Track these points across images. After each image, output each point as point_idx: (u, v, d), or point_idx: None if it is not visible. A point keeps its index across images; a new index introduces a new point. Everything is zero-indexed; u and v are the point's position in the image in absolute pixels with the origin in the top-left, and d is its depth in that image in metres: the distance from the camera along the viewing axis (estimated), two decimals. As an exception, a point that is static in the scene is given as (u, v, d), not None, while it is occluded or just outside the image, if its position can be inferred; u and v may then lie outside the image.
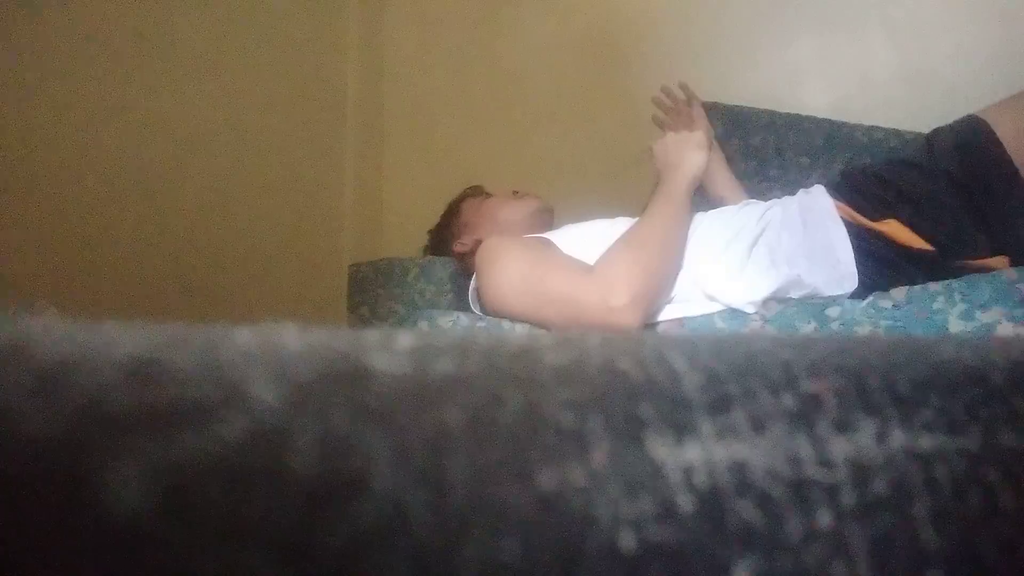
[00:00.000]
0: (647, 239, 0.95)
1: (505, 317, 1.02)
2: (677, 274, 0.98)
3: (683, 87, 1.39)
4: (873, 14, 1.63)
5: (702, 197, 1.44)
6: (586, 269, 0.95)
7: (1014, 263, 0.88)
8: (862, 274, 0.94)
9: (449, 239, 1.33)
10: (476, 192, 1.38)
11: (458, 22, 2.06)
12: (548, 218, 1.30)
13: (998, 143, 0.92)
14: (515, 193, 1.32)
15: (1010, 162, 0.91)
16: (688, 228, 1.02)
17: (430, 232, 1.42)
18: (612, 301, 0.89)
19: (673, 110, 1.40)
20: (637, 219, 1.01)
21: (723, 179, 1.35)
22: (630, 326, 0.91)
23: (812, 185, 1.11)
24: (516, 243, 1.06)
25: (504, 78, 1.99)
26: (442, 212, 1.40)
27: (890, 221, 0.95)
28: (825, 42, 1.68)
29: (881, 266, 0.94)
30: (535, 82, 1.96)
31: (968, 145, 0.94)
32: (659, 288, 0.94)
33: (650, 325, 0.97)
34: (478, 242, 1.24)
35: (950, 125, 1.01)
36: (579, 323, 0.94)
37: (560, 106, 1.92)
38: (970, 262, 0.90)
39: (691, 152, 1.07)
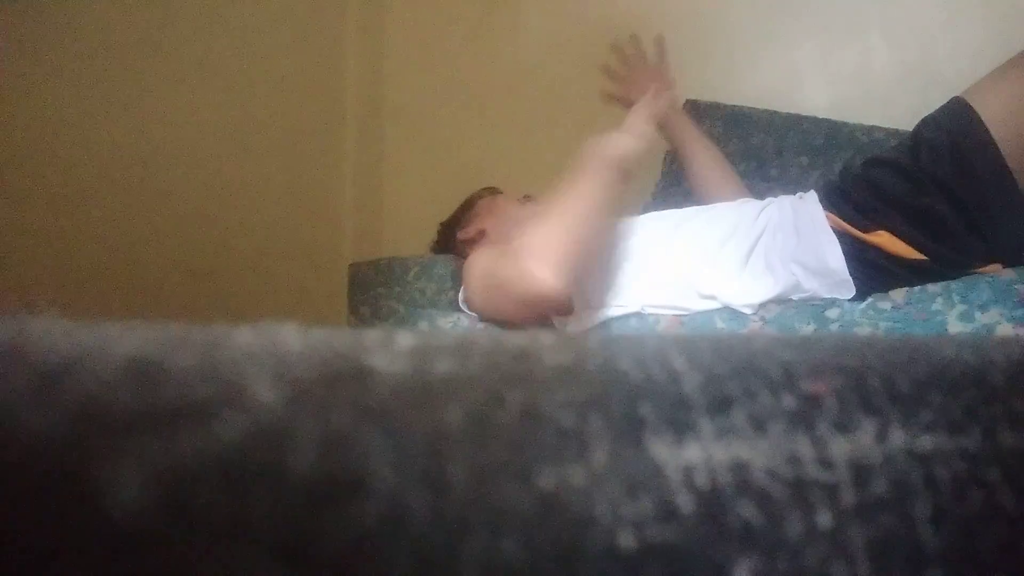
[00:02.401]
0: (562, 209, 0.94)
1: (488, 321, 1.03)
2: (599, 241, 0.97)
3: (655, 41, 1.26)
4: (873, 14, 1.63)
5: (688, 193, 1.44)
6: (506, 249, 0.96)
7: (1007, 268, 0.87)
8: (858, 281, 0.94)
9: (457, 227, 1.35)
10: (490, 191, 1.40)
11: (458, 22, 2.06)
12: None
13: (985, 132, 0.90)
14: (525, 198, 1.33)
15: (999, 156, 0.89)
16: (606, 197, 0.97)
17: (441, 223, 1.43)
18: (529, 268, 0.89)
19: (625, 76, 1.28)
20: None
21: (710, 167, 1.29)
22: (551, 289, 0.88)
23: (808, 188, 1.11)
24: (493, 250, 1.06)
25: (504, 78, 1.99)
26: (456, 207, 1.42)
27: (881, 232, 0.94)
28: (825, 42, 1.68)
29: (876, 273, 0.93)
30: (535, 82, 1.95)
31: (956, 146, 0.93)
32: (576, 256, 0.91)
33: (652, 321, 0.97)
34: (480, 232, 1.25)
35: (935, 119, 0.98)
36: (510, 302, 0.94)
37: (560, 106, 1.92)
38: (965, 271, 0.89)
39: (630, 132, 1.02)
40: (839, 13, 1.66)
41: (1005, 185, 0.89)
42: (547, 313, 0.96)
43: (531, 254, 0.89)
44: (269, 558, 0.10)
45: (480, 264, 1.02)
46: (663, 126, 1.29)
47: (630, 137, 1.01)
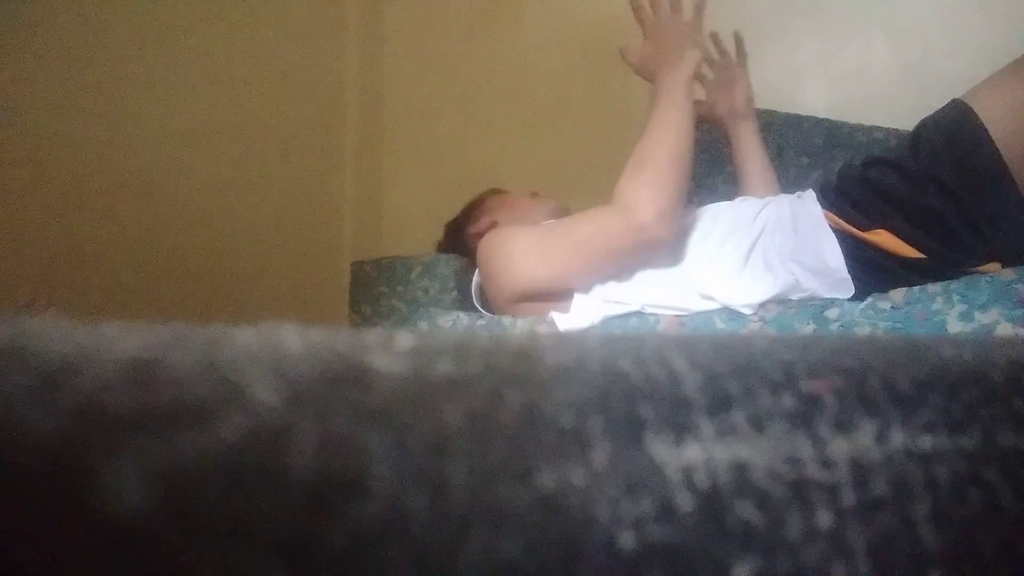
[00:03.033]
0: (656, 153, 0.96)
1: (520, 299, 1.02)
2: (690, 174, 0.99)
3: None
4: (873, 14, 1.63)
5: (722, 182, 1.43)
6: (600, 208, 0.98)
7: (1006, 268, 0.87)
8: (857, 279, 0.93)
9: (466, 224, 1.34)
10: (497, 191, 1.40)
11: (458, 22, 2.06)
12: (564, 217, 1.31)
13: (985, 133, 0.90)
14: (533, 194, 1.33)
15: (999, 156, 0.89)
16: (692, 125, 1.00)
17: (447, 224, 1.42)
18: (640, 220, 0.93)
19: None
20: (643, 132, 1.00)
21: (754, 158, 1.28)
22: (664, 239, 0.94)
23: (807, 187, 1.10)
24: (517, 227, 1.07)
25: (504, 78, 1.99)
26: (462, 208, 1.41)
27: (880, 231, 0.94)
28: (825, 42, 1.68)
29: (876, 272, 0.93)
30: (535, 82, 1.96)
31: (955, 146, 0.92)
32: (679, 197, 0.96)
33: (652, 321, 0.97)
34: (492, 224, 1.25)
35: (935, 120, 0.98)
36: (612, 256, 0.97)
37: (560, 106, 1.92)
38: (964, 269, 0.89)
39: (685, 45, 1.04)
40: (839, 13, 1.66)
41: (1004, 185, 0.89)
42: (648, 255, 0.99)
43: (639, 208, 0.93)
44: (269, 558, 0.10)
45: (530, 239, 1.01)
46: (729, 126, 1.29)
47: (693, 48, 1.03)
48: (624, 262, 0.98)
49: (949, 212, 0.91)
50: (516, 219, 1.24)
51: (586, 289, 1.01)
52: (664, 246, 0.96)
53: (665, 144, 0.97)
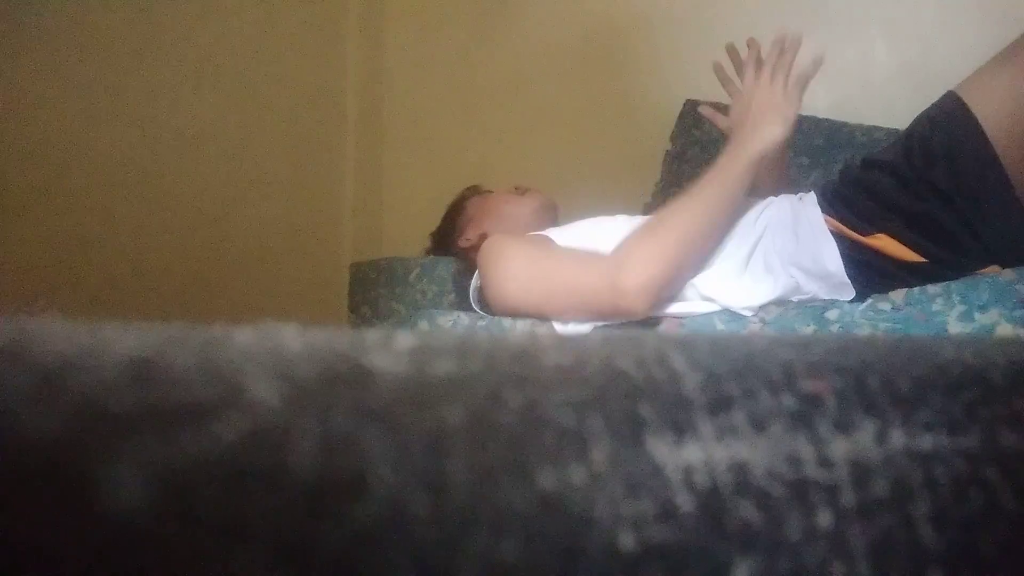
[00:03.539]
0: (672, 225, 0.90)
1: (510, 314, 1.02)
2: (701, 263, 0.92)
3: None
4: (873, 14, 1.63)
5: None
6: (598, 256, 0.94)
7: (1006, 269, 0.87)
8: (857, 283, 0.93)
9: (453, 236, 1.32)
10: (476, 191, 1.38)
11: (458, 22, 2.06)
12: (553, 214, 1.30)
13: (979, 130, 0.90)
14: (516, 189, 1.32)
15: (993, 156, 0.89)
16: (735, 210, 0.92)
17: (432, 234, 1.41)
18: (622, 283, 0.87)
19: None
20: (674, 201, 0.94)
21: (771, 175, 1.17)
22: (635, 312, 0.88)
23: (808, 188, 1.10)
24: (519, 239, 1.06)
25: (504, 79, 1.99)
26: (444, 213, 1.40)
27: (880, 236, 0.94)
28: (825, 42, 1.68)
29: (876, 275, 0.93)
30: (535, 83, 1.96)
31: (950, 146, 0.92)
32: (676, 277, 0.90)
33: (650, 318, 0.97)
34: (483, 236, 1.24)
35: (930, 117, 0.97)
36: (587, 310, 0.93)
37: (560, 106, 1.92)
38: (964, 272, 0.89)
39: (771, 118, 0.92)
40: (839, 13, 1.66)
41: (999, 186, 0.89)
42: (614, 320, 0.94)
43: (628, 270, 0.87)
44: (269, 558, 0.10)
45: (524, 264, 0.99)
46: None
47: (779, 124, 0.92)
48: (597, 318, 0.94)
49: (946, 216, 0.91)
50: (506, 226, 1.23)
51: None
52: (636, 318, 0.90)
53: (686, 218, 0.91)
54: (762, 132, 0.92)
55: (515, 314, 1.02)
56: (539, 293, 0.97)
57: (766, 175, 1.22)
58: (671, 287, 0.91)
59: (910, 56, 1.59)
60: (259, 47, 1.71)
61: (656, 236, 0.90)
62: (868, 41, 1.64)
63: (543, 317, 0.99)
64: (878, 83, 1.62)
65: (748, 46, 1.02)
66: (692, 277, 0.93)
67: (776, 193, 1.25)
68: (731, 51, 1.06)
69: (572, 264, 0.96)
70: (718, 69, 1.05)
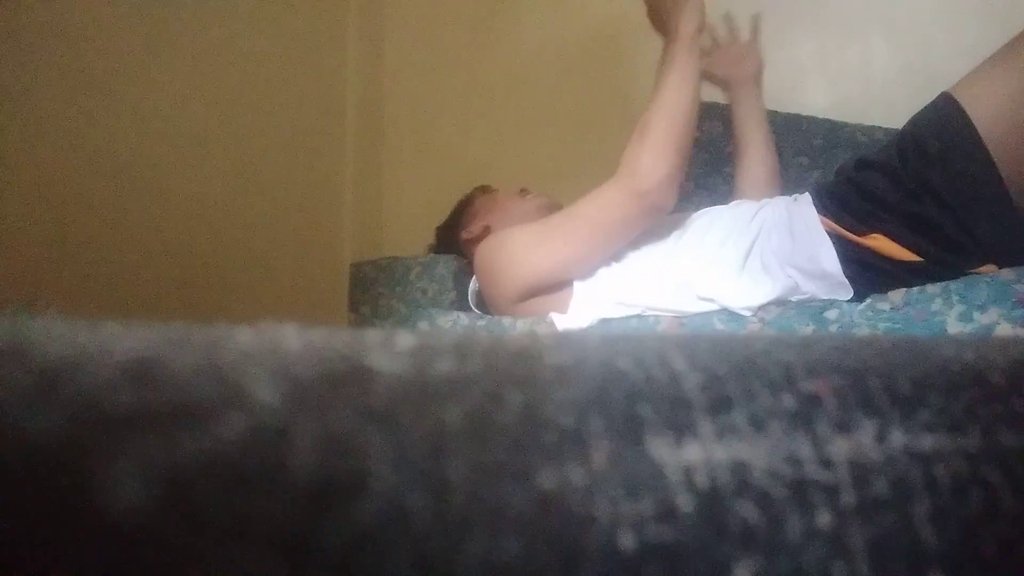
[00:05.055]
0: (658, 119, 0.97)
1: (533, 291, 1.02)
2: (692, 135, 1.00)
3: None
4: (873, 14, 1.63)
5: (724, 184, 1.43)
6: (603, 184, 1.00)
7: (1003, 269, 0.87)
8: (855, 283, 0.93)
9: (457, 228, 1.34)
10: (484, 190, 1.39)
11: (458, 22, 2.06)
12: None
13: (973, 131, 0.89)
14: (522, 191, 1.32)
15: (987, 157, 0.89)
16: (696, 85, 1.00)
17: (438, 228, 1.42)
18: (642, 186, 0.95)
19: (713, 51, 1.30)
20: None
21: (753, 122, 1.30)
22: (666, 205, 0.96)
23: (804, 189, 1.10)
24: (514, 227, 1.07)
25: (504, 78, 1.99)
26: (452, 208, 1.41)
27: (876, 235, 0.94)
28: (825, 42, 1.68)
29: (873, 275, 0.93)
30: (535, 82, 1.96)
31: (944, 147, 0.92)
32: (681, 161, 0.97)
33: (652, 322, 0.97)
34: (486, 228, 1.24)
35: (924, 118, 0.97)
36: (617, 227, 0.98)
37: (560, 106, 1.92)
38: (961, 271, 0.89)
39: (680, 7, 1.02)
40: (839, 13, 1.66)
41: (992, 186, 0.89)
42: (651, 222, 0.99)
43: (643, 173, 0.95)
44: (269, 558, 0.10)
45: (529, 234, 1.02)
46: (733, 89, 1.31)
47: (693, 12, 1.01)
48: (629, 231, 0.99)
49: (940, 216, 0.91)
50: (509, 221, 1.24)
51: (591, 272, 1.02)
52: (666, 211, 0.98)
53: (667, 108, 0.98)
54: (685, 13, 1.01)
55: (531, 292, 1.02)
56: (566, 243, 1.00)
57: (752, 144, 1.26)
58: (682, 170, 0.98)
59: (910, 56, 1.59)
60: (259, 47, 1.71)
61: (651, 133, 0.96)
62: (868, 41, 1.64)
63: (571, 273, 1.01)
64: (878, 83, 1.62)
65: None
66: (690, 153, 1.01)
67: (769, 190, 1.26)
68: None
69: (584, 203, 1.00)
70: None
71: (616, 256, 1.05)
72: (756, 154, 1.30)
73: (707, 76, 1.27)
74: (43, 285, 1.17)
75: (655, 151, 0.95)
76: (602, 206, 0.98)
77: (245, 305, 1.57)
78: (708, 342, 0.17)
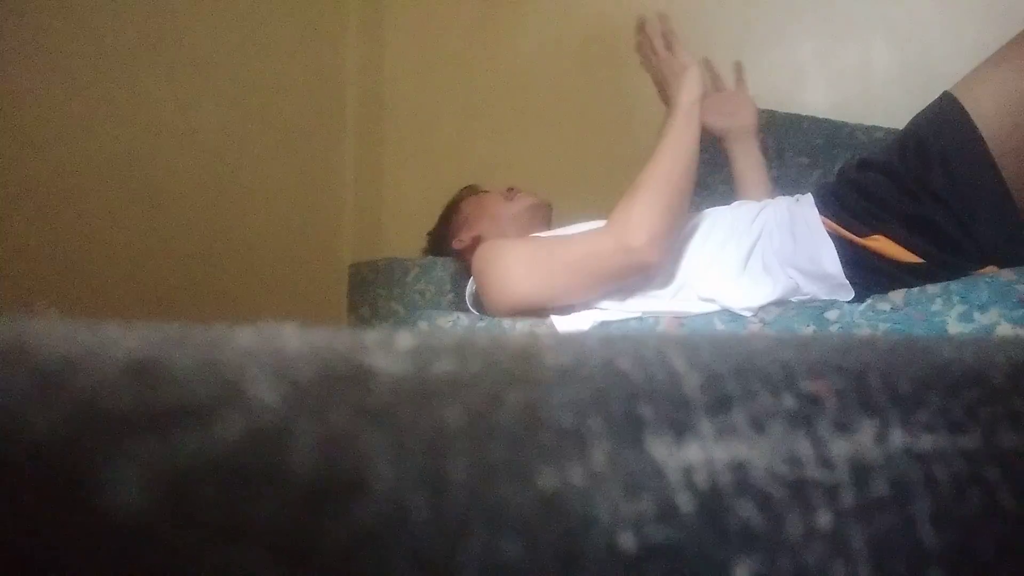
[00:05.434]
0: (655, 175, 0.97)
1: (516, 313, 1.02)
2: (688, 206, 1.00)
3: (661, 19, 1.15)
4: (873, 14, 1.63)
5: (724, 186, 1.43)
6: (592, 230, 0.99)
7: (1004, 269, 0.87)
8: (856, 284, 0.93)
9: (448, 237, 1.33)
10: (471, 191, 1.38)
11: (458, 22, 2.06)
12: (546, 214, 1.31)
13: (974, 132, 0.89)
14: (509, 191, 1.32)
15: (988, 158, 0.88)
16: (696, 146, 1.01)
17: (429, 234, 1.42)
18: (631, 242, 0.93)
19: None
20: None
21: (754, 172, 1.29)
22: (652, 263, 0.94)
23: (807, 189, 1.10)
24: (510, 240, 1.07)
25: (504, 78, 1.99)
26: (440, 214, 1.40)
27: (877, 237, 0.94)
28: (825, 42, 1.68)
29: (874, 276, 0.93)
30: (535, 83, 1.96)
31: (945, 148, 0.92)
32: (674, 220, 0.97)
33: (652, 322, 0.97)
34: (476, 239, 1.24)
35: (926, 119, 0.97)
36: (601, 278, 0.97)
37: (560, 106, 1.92)
38: (962, 272, 0.89)
39: (685, 74, 1.05)
40: (839, 13, 1.66)
41: (994, 186, 0.89)
42: (634, 280, 0.99)
43: (632, 229, 0.93)
44: (269, 558, 0.10)
45: (523, 256, 1.02)
46: (729, 143, 1.28)
47: (691, 74, 1.04)
48: (613, 284, 0.98)
49: (942, 217, 0.91)
50: (499, 227, 1.23)
51: (579, 308, 1.01)
52: (652, 270, 0.96)
53: (665, 166, 0.97)
54: (685, 83, 1.04)
55: (521, 312, 1.02)
56: (550, 278, 0.99)
57: (751, 188, 1.26)
58: (673, 232, 0.97)
59: (910, 56, 1.59)
60: (259, 47, 1.71)
61: (645, 192, 0.96)
62: (868, 41, 1.64)
63: (553, 304, 1.00)
64: (878, 83, 1.62)
65: (658, 21, 1.13)
66: (685, 219, 1.01)
67: (760, 192, 1.25)
68: (639, 28, 1.16)
69: (572, 243, 0.99)
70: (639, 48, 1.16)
71: None
72: (753, 195, 1.28)
73: (705, 128, 1.25)
74: (43, 285, 1.17)
75: (646, 208, 0.94)
76: (590, 252, 0.97)
77: (245, 305, 1.57)
78: (708, 342, 0.17)
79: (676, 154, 0.98)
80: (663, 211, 0.94)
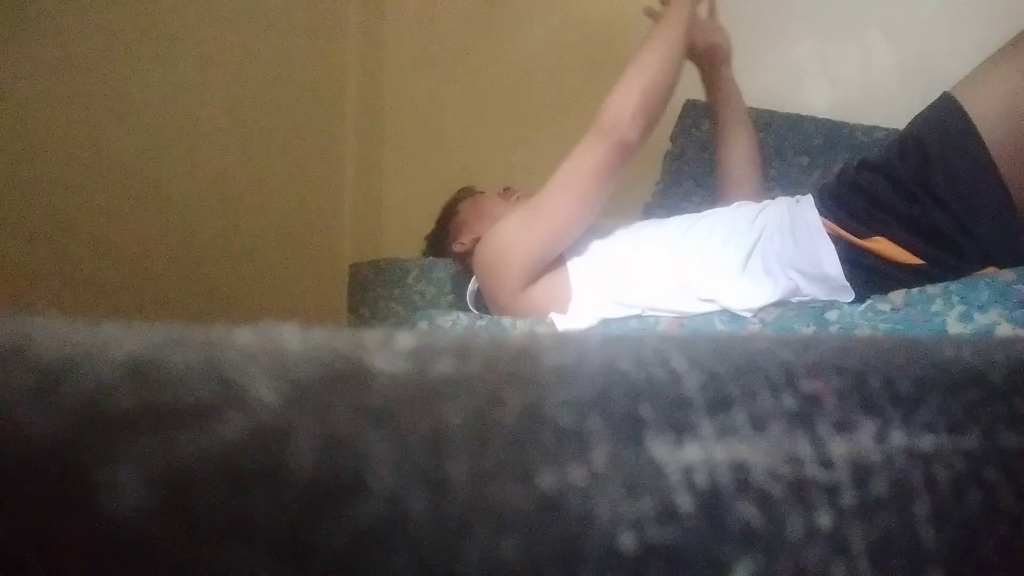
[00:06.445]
0: (637, 67, 1.00)
1: (535, 272, 1.03)
2: (674, 87, 1.03)
3: None
4: (873, 14, 1.63)
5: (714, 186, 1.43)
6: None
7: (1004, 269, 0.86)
8: (857, 286, 0.93)
9: (447, 240, 1.33)
10: (468, 192, 1.38)
11: (458, 22, 2.06)
12: None
13: (974, 133, 0.89)
14: (505, 191, 1.32)
15: (988, 159, 0.88)
16: (682, 45, 1.04)
17: (427, 236, 1.42)
18: (608, 123, 0.96)
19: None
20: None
21: (733, 109, 1.31)
22: (633, 136, 0.97)
23: (807, 189, 1.10)
24: (498, 222, 1.08)
25: (504, 78, 1.99)
26: (438, 216, 1.40)
27: (878, 238, 0.94)
28: (825, 42, 1.68)
29: (875, 277, 0.93)
30: (535, 82, 1.96)
31: (945, 150, 0.92)
32: (653, 100, 0.99)
33: (652, 322, 0.97)
34: (475, 241, 1.24)
35: (925, 119, 0.97)
36: (592, 179, 0.99)
37: (560, 106, 1.92)
38: (963, 274, 0.89)
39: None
40: (839, 13, 1.66)
41: (994, 188, 0.88)
42: (624, 162, 1.01)
43: (612, 113, 0.97)
44: (269, 558, 0.10)
45: (516, 219, 1.04)
46: (712, 80, 1.31)
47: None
48: (605, 177, 1.00)
49: (942, 219, 0.90)
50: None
51: (584, 270, 1.02)
52: (634, 149, 0.98)
53: (640, 60, 1.01)
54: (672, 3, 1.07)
55: (533, 275, 1.03)
56: (551, 209, 1.01)
57: (730, 123, 1.27)
58: (652, 109, 1.00)
59: (910, 56, 1.59)
60: (259, 47, 1.71)
61: (621, 80, 1.00)
62: (868, 41, 1.64)
63: (565, 240, 1.03)
64: (878, 83, 1.62)
65: None
66: (664, 106, 1.03)
67: (752, 189, 1.26)
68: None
69: (558, 168, 1.02)
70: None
71: (617, 255, 1.05)
72: (740, 146, 1.29)
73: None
74: (43, 285, 1.17)
75: (621, 93, 0.98)
76: (573, 160, 1.00)
77: (245, 305, 1.57)
78: (708, 342, 0.16)
79: (655, 47, 1.02)
80: (639, 92, 0.98)
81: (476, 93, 2.02)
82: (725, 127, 1.31)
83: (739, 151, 1.29)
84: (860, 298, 0.92)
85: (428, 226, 1.45)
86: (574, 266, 1.05)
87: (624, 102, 0.97)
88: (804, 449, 0.13)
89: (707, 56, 1.29)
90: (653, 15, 1.16)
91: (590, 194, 1.00)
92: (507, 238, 1.04)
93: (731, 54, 1.31)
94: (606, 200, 1.02)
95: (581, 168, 0.99)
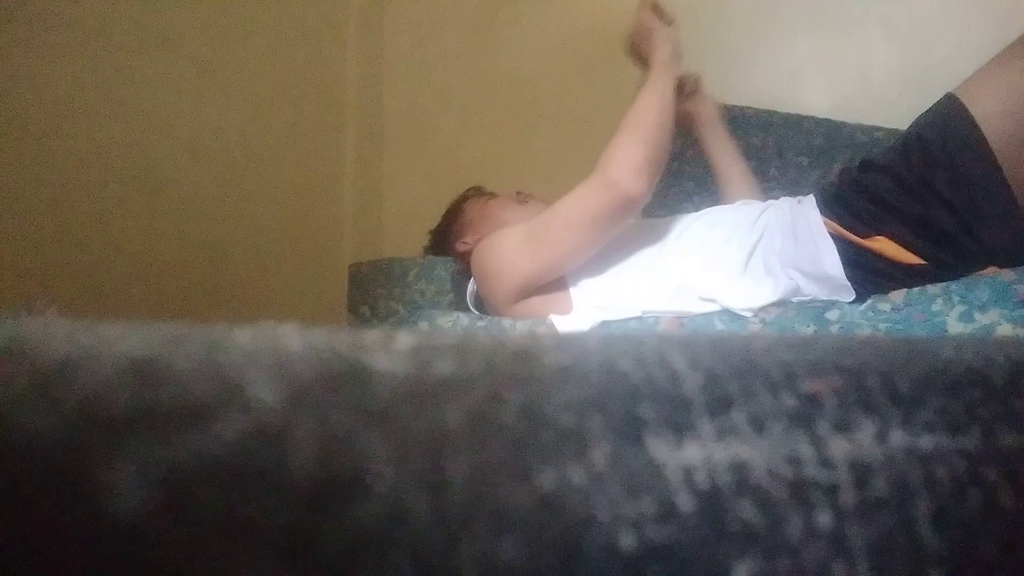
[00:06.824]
0: (636, 119, 1.02)
1: (526, 292, 1.03)
2: (670, 144, 1.04)
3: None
4: (873, 14, 1.63)
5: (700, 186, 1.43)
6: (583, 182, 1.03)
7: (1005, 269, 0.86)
8: (857, 285, 0.93)
9: (451, 238, 1.32)
10: (478, 192, 1.38)
11: (458, 22, 2.06)
12: None
13: (977, 133, 0.89)
14: (518, 194, 1.32)
15: (992, 159, 0.88)
16: (672, 96, 1.05)
17: (432, 232, 1.41)
18: (612, 177, 0.97)
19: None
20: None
21: (729, 161, 1.33)
22: (637, 196, 0.97)
23: (808, 189, 1.10)
24: (504, 229, 1.08)
25: (504, 78, 1.99)
26: (444, 212, 1.40)
27: (880, 238, 0.94)
28: (825, 42, 1.68)
29: (876, 277, 0.93)
30: (535, 83, 1.96)
31: (949, 150, 0.92)
32: (656, 155, 1.00)
33: (652, 322, 0.97)
34: (479, 242, 1.24)
35: (929, 120, 0.97)
36: (593, 223, 0.99)
37: (560, 106, 1.92)
38: (964, 274, 0.89)
39: (655, 40, 1.11)
40: (839, 13, 1.66)
41: (997, 188, 0.88)
42: (628, 214, 1.01)
43: (614, 167, 0.97)
44: (269, 558, 0.10)
45: (516, 234, 1.05)
46: (703, 137, 1.33)
47: (664, 42, 1.10)
48: (605, 226, 1.00)
49: (944, 219, 0.90)
50: (502, 228, 1.24)
51: (580, 274, 1.02)
52: (639, 204, 0.99)
53: (638, 113, 1.02)
54: (655, 43, 1.10)
55: (523, 293, 1.03)
56: (547, 243, 1.01)
57: (734, 180, 1.29)
58: (655, 166, 1.00)
59: (910, 56, 1.59)
60: (259, 47, 1.71)
61: (621, 133, 1.01)
62: (868, 41, 1.64)
63: (558, 271, 1.02)
64: (878, 83, 1.62)
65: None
66: (666, 160, 1.04)
67: (750, 195, 1.26)
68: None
69: (560, 203, 1.02)
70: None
71: (618, 254, 1.05)
72: (738, 190, 1.31)
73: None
74: (43, 285, 1.17)
75: (624, 146, 0.98)
76: (576, 203, 1.00)
77: (245, 305, 1.57)
78: (708, 342, 0.16)
79: (651, 101, 1.03)
80: (642, 146, 0.98)
81: (476, 93, 2.02)
82: (721, 178, 1.34)
83: (735, 192, 1.32)
84: (861, 298, 0.92)
85: (428, 226, 1.45)
86: (571, 273, 1.05)
87: (626, 156, 0.98)
88: (804, 449, 0.13)
89: (692, 116, 1.32)
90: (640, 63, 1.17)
91: (591, 237, 1.01)
92: (504, 255, 1.04)
93: (720, 114, 1.34)
94: (609, 239, 1.03)
95: (584, 214, 0.99)
